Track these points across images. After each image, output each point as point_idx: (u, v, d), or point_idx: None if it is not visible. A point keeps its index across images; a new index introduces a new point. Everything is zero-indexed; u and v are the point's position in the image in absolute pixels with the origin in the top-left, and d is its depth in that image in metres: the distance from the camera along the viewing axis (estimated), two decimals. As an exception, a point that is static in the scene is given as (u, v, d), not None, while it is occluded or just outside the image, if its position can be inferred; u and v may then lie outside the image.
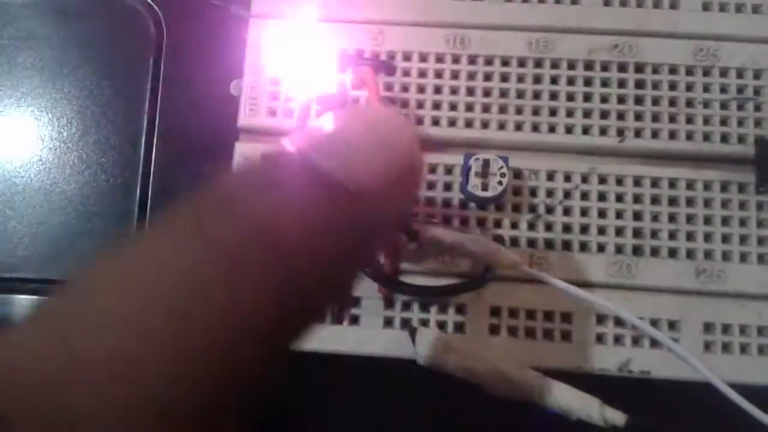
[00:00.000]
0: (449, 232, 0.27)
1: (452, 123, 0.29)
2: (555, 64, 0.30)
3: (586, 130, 0.29)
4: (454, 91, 0.30)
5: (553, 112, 0.29)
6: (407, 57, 0.30)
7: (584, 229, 0.28)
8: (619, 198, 0.29)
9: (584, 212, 0.28)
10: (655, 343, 0.27)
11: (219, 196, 0.13)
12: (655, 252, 0.28)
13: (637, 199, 0.29)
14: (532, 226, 0.28)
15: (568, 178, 0.29)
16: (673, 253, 0.28)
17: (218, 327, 0.12)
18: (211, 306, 0.12)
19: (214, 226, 0.12)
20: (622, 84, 0.29)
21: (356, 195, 0.13)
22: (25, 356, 0.11)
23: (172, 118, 0.33)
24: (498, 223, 0.28)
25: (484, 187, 0.27)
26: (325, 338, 0.27)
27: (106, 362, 0.11)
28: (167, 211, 0.13)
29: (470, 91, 0.30)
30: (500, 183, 0.27)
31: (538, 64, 0.30)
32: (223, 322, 0.12)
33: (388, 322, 0.28)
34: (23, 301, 0.32)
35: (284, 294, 0.13)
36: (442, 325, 0.28)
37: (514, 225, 0.28)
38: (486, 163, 0.27)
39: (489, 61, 0.30)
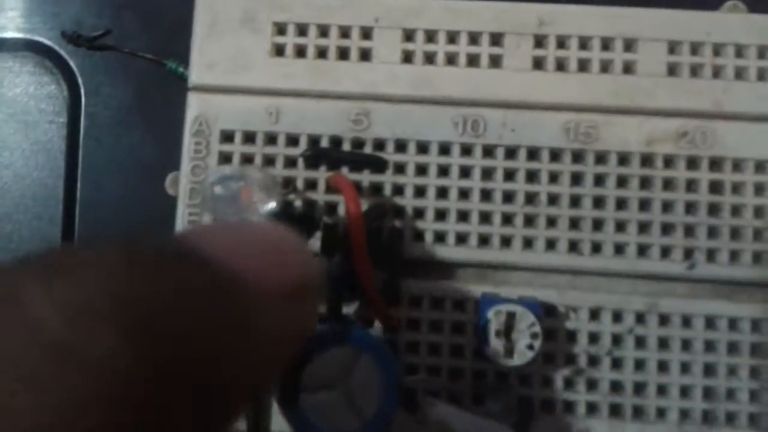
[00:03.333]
0: (460, 416, 0.19)
1: (462, 239, 0.22)
2: (601, 158, 0.22)
3: (642, 251, 0.22)
4: (464, 194, 0.22)
5: (597, 226, 0.22)
6: (401, 147, 0.22)
7: (639, 388, 0.21)
8: (686, 345, 0.22)
9: (639, 365, 0.22)
10: None
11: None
12: (731, 419, 0.21)
13: (709, 346, 0.22)
14: (569, 385, 0.21)
15: (618, 317, 0.22)
16: (754, 420, 0.21)
17: None
18: None
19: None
20: (691, 187, 0.22)
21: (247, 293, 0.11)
22: None
23: (94, 219, 0.25)
24: (525, 381, 0.21)
25: (508, 352, 0.20)
26: None
27: None
28: None
29: (486, 195, 0.22)
30: (531, 347, 0.20)
31: (578, 157, 0.22)
32: None
33: None
34: None
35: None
36: None
37: (547, 383, 0.21)
38: (510, 318, 0.20)
39: (511, 153, 0.22)
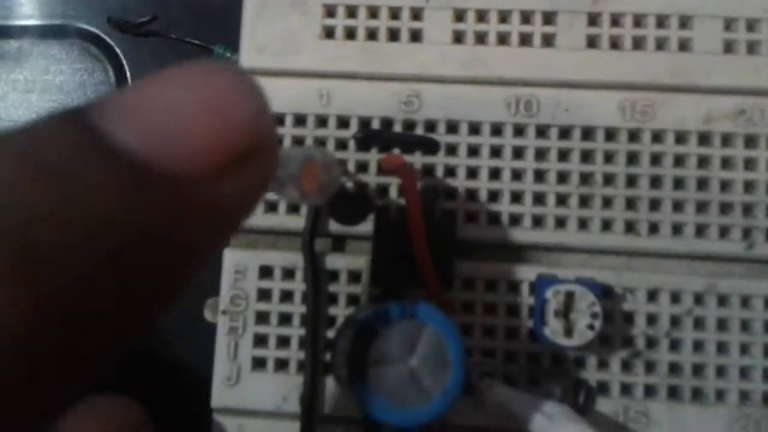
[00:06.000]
0: (519, 397, 0.19)
1: (516, 221, 0.22)
2: (657, 137, 0.22)
3: (700, 231, 0.21)
4: (517, 175, 0.22)
5: (654, 205, 0.22)
6: (452, 128, 0.22)
7: (698, 370, 0.21)
8: (746, 326, 0.21)
9: (698, 346, 0.21)
10: None
11: None
12: (794, 401, 0.21)
13: (770, 327, 0.21)
14: (627, 367, 0.21)
15: (676, 298, 0.21)
16: (819, 402, 0.21)
17: None
18: None
19: None
20: (750, 165, 0.22)
21: (168, 178, 0.10)
22: None
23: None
24: (581, 363, 0.21)
25: (568, 332, 0.20)
26: None
27: None
28: None
29: (540, 176, 0.22)
30: (591, 327, 0.20)
31: (634, 136, 0.22)
32: None
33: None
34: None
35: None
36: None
37: (603, 365, 0.21)
38: (569, 298, 0.20)
39: (565, 133, 0.22)
